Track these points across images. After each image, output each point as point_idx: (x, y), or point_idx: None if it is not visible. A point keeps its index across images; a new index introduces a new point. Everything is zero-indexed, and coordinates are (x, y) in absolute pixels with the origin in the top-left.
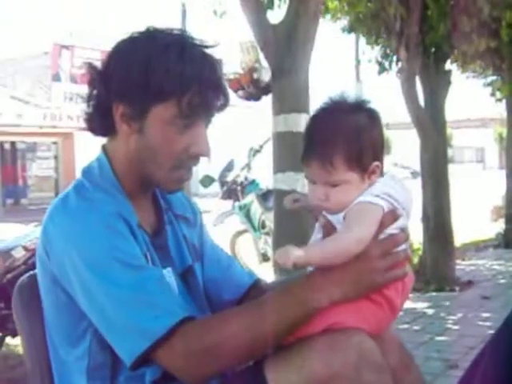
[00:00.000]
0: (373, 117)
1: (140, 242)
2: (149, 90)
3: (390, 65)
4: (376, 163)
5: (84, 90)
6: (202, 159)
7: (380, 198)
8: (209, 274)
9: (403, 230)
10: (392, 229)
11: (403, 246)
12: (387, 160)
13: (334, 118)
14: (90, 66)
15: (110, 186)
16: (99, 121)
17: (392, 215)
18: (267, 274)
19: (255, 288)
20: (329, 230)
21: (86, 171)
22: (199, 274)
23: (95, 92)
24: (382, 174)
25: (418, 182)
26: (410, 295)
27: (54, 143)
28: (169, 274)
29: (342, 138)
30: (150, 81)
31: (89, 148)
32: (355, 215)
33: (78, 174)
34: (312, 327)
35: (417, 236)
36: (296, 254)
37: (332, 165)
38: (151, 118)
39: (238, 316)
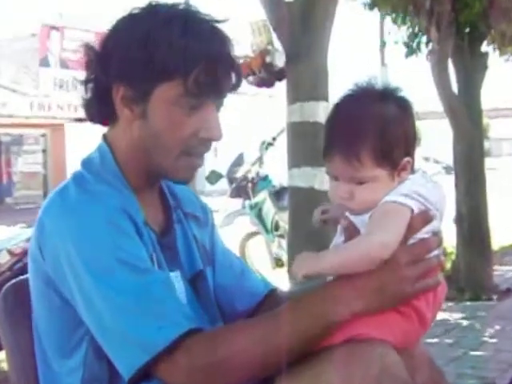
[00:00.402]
0: (405, 107)
1: (146, 241)
2: (151, 69)
3: (419, 47)
4: (407, 159)
5: (76, 75)
6: (210, 150)
7: (409, 197)
8: (220, 281)
9: (436, 233)
10: (423, 233)
11: (436, 252)
12: (417, 154)
13: (361, 107)
14: (87, 47)
15: (113, 178)
16: (98, 106)
17: (423, 217)
18: (281, 281)
19: (271, 298)
20: (351, 233)
21: (86, 162)
22: (210, 280)
23: (93, 75)
24: (412, 171)
25: (452, 178)
26: (442, 305)
27: (43, 135)
28: (177, 279)
29: (370, 130)
30: (152, 58)
31: (81, 141)
32: (380, 217)
33: (69, 170)
34: (330, 339)
35: (450, 239)
36: (307, 263)
37: (359, 160)
38: (155, 99)
39: (250, 328)
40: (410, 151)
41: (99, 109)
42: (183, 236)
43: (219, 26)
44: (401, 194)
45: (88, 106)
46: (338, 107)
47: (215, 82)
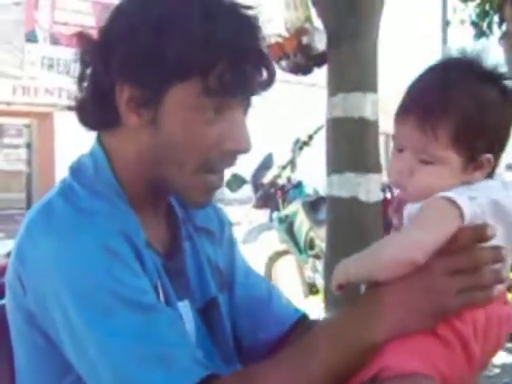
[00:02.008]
0: (507, 95)
1: (149, 267)
2: (164, 64)
3: (491, 27)
4: (489, 156)
5: (69, 53)
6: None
7: (468, 200)
8: (240, 306)
9: (497, 248)
10: None
11: (496, 266)
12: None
13: (459, 78)
14: (82, 36)
15: (110, 191)
16: (96, 110)
17: (476, 232)
18: (315, 309)
19: (301, 327)
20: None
21: (77, 170)
22: (224, 308)
23: (89, 70)
24: (490, 176)
25: None
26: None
27: (27, 126)
28: (185, 309)
29: (461, 105)
30: (165, 51)
31: (74, 133)
32: (421, 214)
33: (59, 169)
34: (356, 374)
35: None
36: (338, 270)
37: (434, 131)
38: (169, 102)
39: (273, 371)
40: (495, 149)
41: (97, 113)
42: (193, 256)
43: (247, 11)
44: (460, 194)
45: (82, 108)
46: (432, 69)
47: (242, 80)
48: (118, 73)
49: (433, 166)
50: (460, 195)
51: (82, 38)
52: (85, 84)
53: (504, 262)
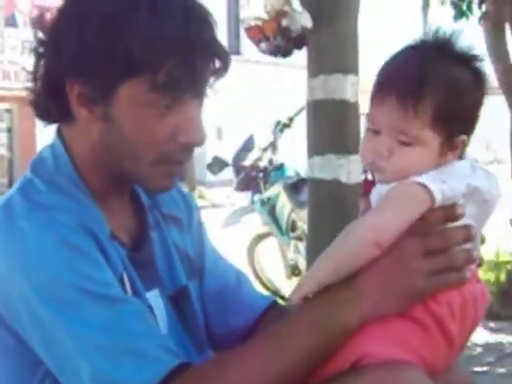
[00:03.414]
0: (482, 79)
1: (113, 259)
2: (112, 62)
3: (470, 8)
4: (463, 137)
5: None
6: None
7: (437, 184)
8: (210, 294)
9: (466, 226)
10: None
11: (467, 246)
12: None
13: (434, 60)
14: (36, 22)
15: (70, 184)
16: (49, 103)
17: (447, 213)
18: None
19: (272, 312)
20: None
21: (37, 164)
22: (195, 296)
23: (43, 62)
24: (461, 157)
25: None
26: (494, 325)
27: (7, 111)
28: (155, 299)
29: (441, 85)
30: (113, 47)
31: None
32: (387, 196)
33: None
34: (334, 362)
35: (506, 244)
36: (302, 282)
37: (416, 110)
38: (119, 99)
39: (246, 358)
40: (468, 130)
41: (51, 106)
42: (161, 244)
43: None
44: (432, 178)
45: (37, 101)
46: (408, 50)
47: (192, 75)
48: (68, 69)
49: (412, 148)
50: (432, 180)
51: (39, 20)
52: (39, 76)
53: (475, 241)
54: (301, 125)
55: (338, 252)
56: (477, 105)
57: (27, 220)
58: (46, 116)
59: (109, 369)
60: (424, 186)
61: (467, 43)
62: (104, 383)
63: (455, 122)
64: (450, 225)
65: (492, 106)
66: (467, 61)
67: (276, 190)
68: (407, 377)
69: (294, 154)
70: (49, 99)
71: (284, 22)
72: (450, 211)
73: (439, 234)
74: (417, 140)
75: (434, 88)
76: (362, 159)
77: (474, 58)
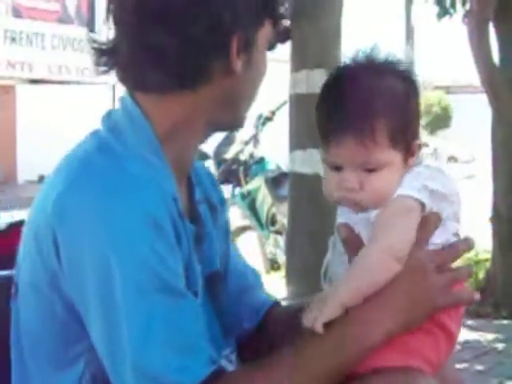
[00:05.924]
0: (412, 81)
1: (183, 239)
2: (258, 6)
3: (454, 6)
4: (417, 141)
5: (31, 26)
6: None
7: (422, 192)
8: (231, 295)
9: (458, 235)
10: (438, 237)
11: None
12: (448, 135)
13: (367, 81)
14: None
15: (152, 156)
16: (182, 68)
17: (435, 218)
18: (277, 286)
19: (272, 315)
20: (354, 243)
21: (113, 128)
22: (224, 287)
23: (179, 25)
24: (417, 158)
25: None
26: (472, 323)
27: None
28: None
29: (384, 105)
30: None
31: (36, 106)
32: (388, 216)
33: (20, 141)
34: (351, 375)
35: (483, 243)
36: (324, 308)
37: (374, 140)
38: (258, 43)
39: (271, 372)
40: (418, 132)
41: (187, 69)
42: (207, 225)
43: None
44: (413, 188)
45: (137, 71)
46: (336, 82)
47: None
48: (237, 20)
49: (379, 172)
50: (418, 190)
51: None
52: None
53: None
54: (283, 119)
55: (359, 274)
56: (418, 105)
57: (114, 182)
58: (143, 86)
59: (156, 360)
60: (411, 197)
61: (385, 52)
62: (144, 374)
63: (408, 130)
64: (451, 238)
65: (472, 104)
66: (395, 69)
67: (257, 183)
68: (420, 382)
69: (276, 148)
70: (206, 59)
71: None
72: (436, 215)
73: (448, 247)
74: (382, 163)
75: (382, 111)
76: (328, 197)
77: (399, 63)
